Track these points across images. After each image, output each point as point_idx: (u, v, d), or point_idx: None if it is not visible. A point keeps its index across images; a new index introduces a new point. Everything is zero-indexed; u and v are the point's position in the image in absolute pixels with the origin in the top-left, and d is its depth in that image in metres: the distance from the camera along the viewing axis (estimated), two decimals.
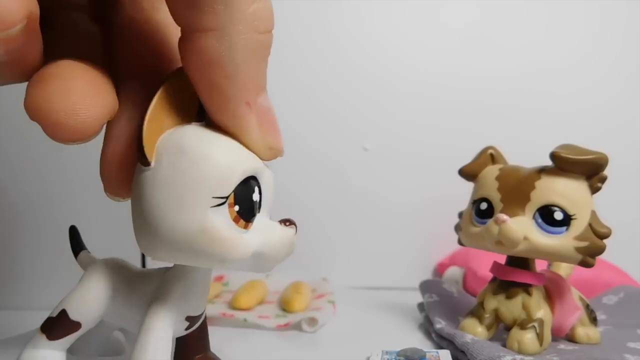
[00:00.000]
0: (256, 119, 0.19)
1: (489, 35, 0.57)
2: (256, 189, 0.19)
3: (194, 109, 0.20)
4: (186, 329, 0.22)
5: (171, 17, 0.19)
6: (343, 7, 0.56)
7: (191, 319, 0.22)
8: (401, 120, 0.56)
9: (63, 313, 0.23)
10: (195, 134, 0.19)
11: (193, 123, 0.20)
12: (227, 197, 0.18)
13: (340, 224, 0.56)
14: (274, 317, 0.39)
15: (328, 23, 0.56)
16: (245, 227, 0.19)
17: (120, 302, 0.23)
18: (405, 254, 0.56)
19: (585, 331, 0.33)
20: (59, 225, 0.50)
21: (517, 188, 0.31)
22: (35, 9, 0.16)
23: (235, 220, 0.18)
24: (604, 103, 0.57)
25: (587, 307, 0.34)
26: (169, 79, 0.19)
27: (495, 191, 0.32)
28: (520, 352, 0.29)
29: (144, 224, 0.19)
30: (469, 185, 0.35)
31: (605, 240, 0.29)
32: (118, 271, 0.23)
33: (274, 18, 0.18)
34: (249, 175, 0.19)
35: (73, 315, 0.22)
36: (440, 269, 0.55)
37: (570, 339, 0.34)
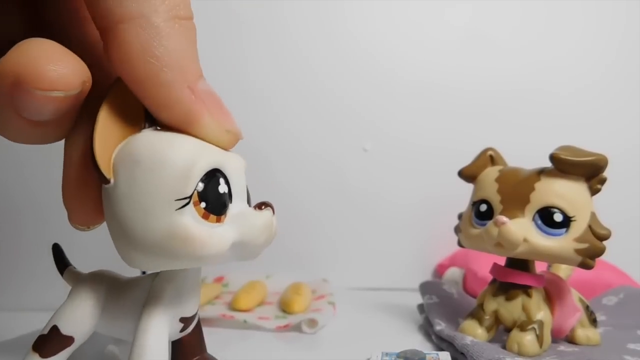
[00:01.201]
0: (203, 103, 0.19)
1: (489, 36, 0.57)
2: (221, 180, 0.19)
3: (141, 116, 0.19)
4: (181, 331, 0.22)
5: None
6: (344, 8, 0.56)
7: (185, 320, 0.22)
8: (401, 121, 0.56)
9: (54, 329, 0.22)
10: (146, 141, 0.19)
11: (143, 130, 0.19)
12: (190, 197, 0.18)
13: (340, 225, 0.56)
14: (274, 318, 0.39)
15: (328, 23, 0.56)
16: (218, 220, 0.19)
17: (112, 311, 0.23)
18: (405, 255, 0.56)
19: (585, 332, 0.33)
20: (59, 225, 0.51)
21: (516, 190, 0.31)
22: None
23: (205, 217, 0.18)
24: (604, 104, 0.57)
25: (586, 308, 0.34)
26: (110, 92, 0.19)
27: (494, 193, 0.32)
28: (520, 353, 0.29)
29: (119, 238, 0.19)
30: (469, 186, 0.35)
31: (605, 242, 0.29)
32: (106, 281, 0.23)
33: (190, 5, 0.18)
34: (210, 169, 0.19)
35: (65, 329, 0.22)
36: (440, 270, 0.55)
37: (570, 340, 0.33)
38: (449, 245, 0.42)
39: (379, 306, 0.46)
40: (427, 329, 0.37)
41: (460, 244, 0.35)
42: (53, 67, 0.16)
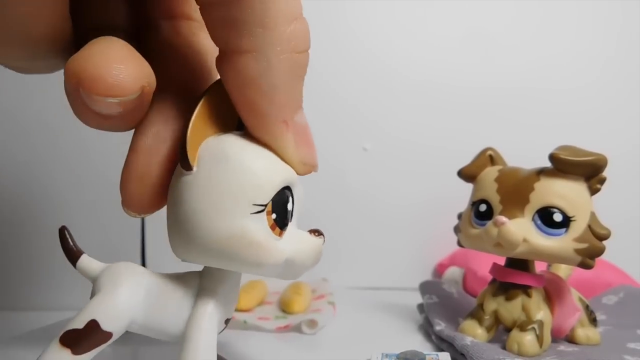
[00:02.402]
0: (292, 136, 0.20)
1: (489, 35, 0.57)
2: (290, 199, 0.20)
3: (234, 119, 0.20)
4: (220, 332, 0.22)
5: (207, 42, 0.20)
6: (344, 6, 0.55)
7: (227, 322, 0.22)
8: (401, 120, 0.56)
9: (93, 324, 0.20)
10: (237, 143, 0.20)
11: (233, 132, 0.20)
12: (265, 205, 0.19)
13: (340, 224, 0.56)
14: (274, 318, 0.39)
15: (329, 23, 0.56)
16: (280, 235, 0.20)
17: (153, 308, 0.21)
18: (405, 254, 0.56)
19: (585, 332, 0.33)
20: (59, 225, 0.51)
21: (516, 190, 0.31)
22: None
23: (272, 228, 0.19)
24: (604, 104, 0.57)
25: (586, 308, 0.34)
26: (211, 89, 0.20)
27: (494, 193, 0.31)
28: (520, 353, 0.29)
29: (182, 227, 0.19)
30: (469, 186, 0.35)
31: (604, 241, 0.29)
32: (146, 275, 0.22)
33: (310, 38, 0.19)
34: (285, 185, 0.20)
35: (106, 325, 0.20)
36: (440, 269, 0.55)
37: (570, 340, 0.34)
38: (448, 244, 0.42)
39: (379, 306, 0.46)
40: (427, 329, 0.37)
41: (460, 244, 0.35)
42: (109, 73, 0.17)
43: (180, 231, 0.19)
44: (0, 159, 0.48)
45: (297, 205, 0.21)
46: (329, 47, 0.56)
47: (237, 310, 0.41)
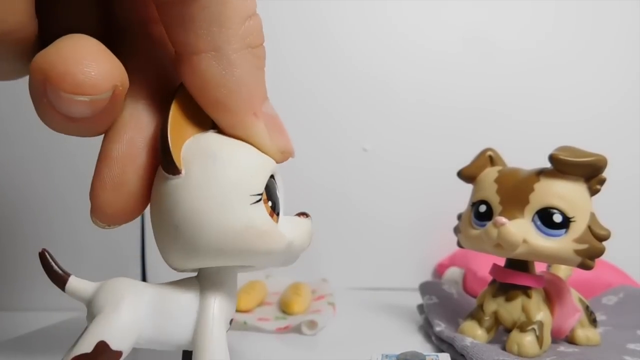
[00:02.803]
0: (264, 127, 0.20)
1: (489, 39, 0.57)
2: (276, 186, 0.21)
3: (208, 118, 0.20)
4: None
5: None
6: (345, 8, 0.56)
7: (231, 322, 0.22)
8: (401, 121, 0.56)
9: (102, 345, 0.19)
10: (219, 140, 0.20)
11: (210, 130, 0.20)
12: (261, 194, 0.19)
13: (340, 225, 0.56)
14: (274, 319, 0.39)
15: (329, 24, 0.56)
16: (276, 221, 0.20)
17: (159, 320, 0.21)
18: (405, 254, 0.56)
19: (585, 333, 0.33)
20: (59, 225, 0.51)
21: (516, 190, 0.30)
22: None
23: (270, 215, 0.20)
24: (603, 105, 0.57)
25: (586, 308, 0.34)
26: (180, 90, 0.20)
27: (494, 193, 0.31)
28: (520, 354, 0.29)
29: (181, 235, 0.19)
30: (468, 187, 0.35)
31: (604, 242, 0.29)
32: (146, 289, 0.21)
33: (262, 31, 0.19)
34: (272, 173, 0.20)
35: (115, 344, 0.20)
36: (440, 270, 0.55)
37: (570, 340, 0.33)
38: (448, 245, 0.42)
39: (379, 306, 0.46)
40: (427, 330, 0.37)
41: (459, 245, 0.35)
42: (80, 69, 0.16)
43: (180, 239, 0.19)
44: (0, 159, 0.48)
45: (281, 193, 0.22)
46: (329, 47, 0.55)
47: (237, 311, 0.41)
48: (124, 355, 0.20)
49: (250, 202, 0.19)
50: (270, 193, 0.20)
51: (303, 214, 0.23)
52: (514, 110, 0.57)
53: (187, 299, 0.21)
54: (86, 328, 0.20)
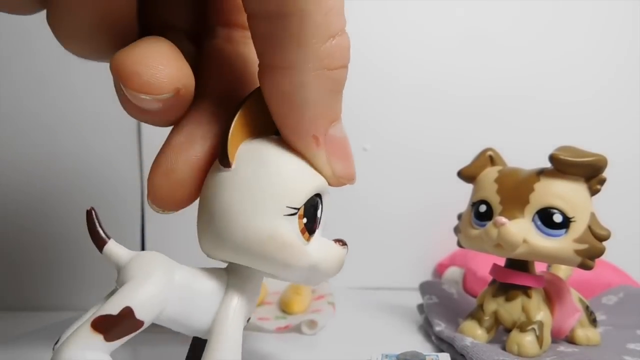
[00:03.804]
0: (325, 151, 0.20)
1: (489, 37, 0.57)
2: (320, 206, 0.21)
3: (273, 125, 0.21)
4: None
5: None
6: (345, 7, 0.55)
7: (247, 321, 0.22)
8: (401, 121, 0.56)
9: (128, 311, 0.19)
10: (274, 147, 0.20)
11: (271, 137, 0.21)
12: (298, 209, 0.19)
13: (340, 224, 0.55)
14: (274, 319, 0.39)
15: None
16: (308, 239, 0.20)
17: (182, 300, 0.21)
18: (405, 254, 0.56)
19: (585, 333, 0.33)
20: (59, 225, 0.51)
21: (516, 190, 0.31)
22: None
23: (302, 232, 0.20)
24: (604, 105, 0.57)
25: (586, 308, 0.34)
26: (254, 94, 0.20)
27: (494, 193, 0.31)
28: (520, 354, 0.29)
29: (215, 223, 0.19)
30: (469, 186, 0.35)
31: (604, 242, 0.29)
32: (177, 268, 0.21)
33: (349, 53, 0.20)
34: (317, 192, 0.20)
35: (140, 313, 0.20)
36: (439, 269, 0.55)
37: (570, 340, 0.34)
38: (448, 244, 0.42)
39: (379, 306, 0.46)
40: (427, 330, 0.37)
41: (460, 245, 0.35)
42: (146, 71, 0.17)
43: (213, 227, 0.20)
44: (0, 159, 0.48)
45: (324, 213, 0.22)
46: None
47: None
48: (145, 326, 0.20)
49: (284, 212, 0.19)
50: (309, 211, 0.20)
51: (340, 242, 0.22)
52: (514, 110, 0.57)
53: (213, 288, 0.21)
54: (114, 291, 0.20)
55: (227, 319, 0.20)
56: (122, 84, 0.17)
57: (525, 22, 0.57)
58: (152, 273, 0.20)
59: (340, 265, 0.22)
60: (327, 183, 0.21)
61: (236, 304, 0.21)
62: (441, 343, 0.33)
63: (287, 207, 0.19)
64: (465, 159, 0.35)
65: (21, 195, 0.48)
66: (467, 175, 0.34)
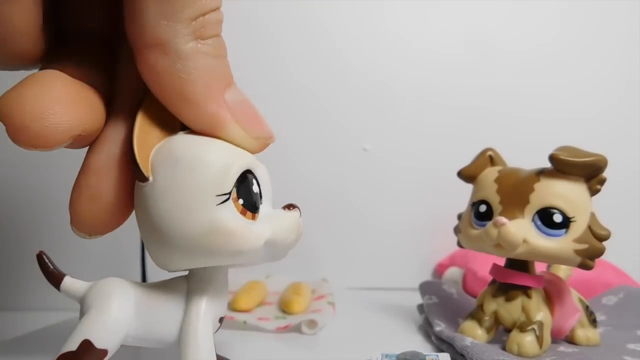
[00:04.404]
0: (231, 117, 0.20)
1: (487, 38, 0.57)
2: (254, 181, 0.20)
3: (178, 120, 0.20)
4: (215, 331, 0.22)
5: None
6: (345, 8, 0.55)
7: (221, 320, 0.23)
8: (401, 120, 0.56)
9: (87, 343, 0.20)
10: (184, 141, 0.20)
11: (179, 133, 0.20)
12: (229, 193, 0.19)
13: (340, 225, 0.56)
14: (274, 319, 0.39)
15: (329, 24, 0.55)
16: (253, 218, 0.20)
17: (146, 319, 0.21)
18: (405, 255, 0.56)
19: (585, 333, 0.33)
20: (60, 225, 0.51)
21: (516, 190, 0.30)
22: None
23: (243, 213, 0.19)
24: (604, 105, 0.57)
25: (586, 308, 0.34)
26: (147, 98, 0.20)
27: (494, 193, 0.31)
28: (520, 354, 0.29)
29: (155, 237, 0.19)
30: (468, 186, 0.35)
31: (604, 242, 0.29)
32: (133, 288, 0.22)
33: (221, 24, 0.19)
34: (245, 169, 0.20)
35: (99, 343, 0.20)
36: (439, 270, 0.55)
37: (570, 340, 0.33)
38: (448, 245, 0.42)
39: (378, 306, 0.46)
40: (426, 330, 0.37)
41: (460, 245, 0.35)
42: (34, 124, 0.16)
43: (155, 241, 0.19)
44: (1, 159, 0.48)
45: (264, 187, 0.21)
46: (329, 48, 0.55)
47: (237, 310, 0.41)
48: (110, 354, 0.21)
49: (216, 202, 0.19)
50: (242, 190, 0.19)
51: (289, 206, 0.22)
52: (514, 109, 0.57)
53: (173, 298, 0.21)
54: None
55: (192, 325, 0.20)
56: (9, 136, 0.16)
57: (524, 23, 0.57)
58: (106, 301, 0.21)
59: (297, 230, 0.21)
60: (251, 157, 0.21)
61: (199, 308, 0.21)
62: (441, 343, 0.33)
63: (217, 195, 0.19)
64: (465, 159, 0.35)
65: (21, 195, 0.48)
66: (467, 175, 0.34)
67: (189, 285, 0.21)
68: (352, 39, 0.56)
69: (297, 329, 0.37)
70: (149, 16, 0.17)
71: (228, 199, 0.19)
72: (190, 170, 0.19)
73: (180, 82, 0.18)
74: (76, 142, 0.18)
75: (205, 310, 0.21)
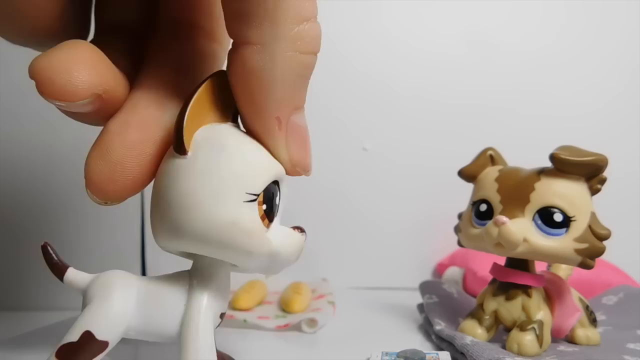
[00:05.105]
0: (284, 135, 0.20)
1: (488, 38, 0.57)
2: (278, 193, 0.21)
3: (231, 111, 0.21)
4: (216, 327, 0.22)
5: (202, 48, 0.23)
6: (346, 7, 0.55)
7: (222, 316, 0.23)
8: (401, 120, 0.56)
9: (88, 335, 0.20)
10: (233, 133, 0.20)
11: (229, 123, 0.21)
12: (258, 195, 0.19)
13: (340, 224, 0.56)
14: (274, 317, 0.39)
15: (329, 24, 0.55)
16: (267, 226, 0.20)
17: (147, 312, 0.21)
18: (405, 254, 0.56)
19: (585, 332, 0.33)
20: (60, 225, 0.51)
21: (516, 190, 0.31)
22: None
23: (262, 218, 0.20)
24: (604, 104, 0.57)
25: (586, 308, 0.34)
26: (211, 79, 0.20)
27: (494, 193, 0.31)
28: (520, 353, 0.29)
29: (172, 214, 0.19)
30: (469, 186, 0.35)
31: (605, 241, 0.29)
32: (135, 281, 0.22)
33: (320, 42, 0.20)
34: (276, 179, 0.20)
35: (100, 335, 0.20)
36: (440, 269, 0.55)
37: (570, 340, 0.33)
38: (448, 244, 0.42)
39: (378, 305, 0.46)
40: (427, 329, 0.37)
41: (460, 244, 0.35)
42: (61, 77, 0.17)
43: (171, 218, 0.19)
44: (0, 158, 0.48)
45: (282, 201, 0.22)
46: (330, 47, 0.55)
47: (237, 309, 0.41)
48: (111, 345, 0.21)
49: (244, 199, 0.19)
50: (267, 197, 0.20)
51: (299, 229, 0.22)
52: (514, 109, 0.57)
53: (175, 292, 0.21)
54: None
55: (193, 320, 0.20)
56: (38, 90, 0.17)
57: (524, 22, 0.57)
58: (108, 293, 0.21)
59: (299, 251, 0.22)
60: (283, 170, 0.21)
61: (201, 304, 0.21)
62: (441, 342, 0.33)
63: (247, 193, 0.19)
64: (465, 159, 0.35)
65: (21, 194, 0.48)
66: (468, 174, 0.34)
67: (192, 280, 0.21)
68: (352, 38, 0.56)
69: (297, 327, 0.37)
70: (255, 17, 0.18)
71: (255, 199, 0.19)
72: (232, 161, 0.19)
73: (261, 83, 0.19)
74: (98, 105, 0.19)
75: (207, 306, 0.21)
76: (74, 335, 0.20)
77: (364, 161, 0.56)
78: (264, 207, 0.20)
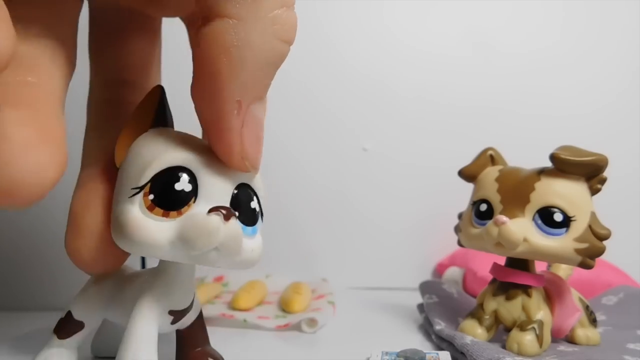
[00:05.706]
0: (241, 121, 0.19)
1: (488, 38, 0.57)
2: (183, 179, 0.20)
3: (151, 118, 0.22)
4: (172, 323, 0.23)
5: None
6: (346, 8, 0.55)
7: (175, 314, 0.23)
8: (401, 120, 0.56)
9: (69, 314, 0.25)
10: (142, 137, 0.21)
11: (150, 130, 0.22)
12: (141, 187, 0.20)
13: (340, 224, 0.56)
14: (274, 317, 0.39)
15: (330, 24, 0.56)
16: (165, 215, 0.19)
17: (117, 302, 0.24)
18: (405, 254, 0.56)
19: (585, 332, 0.33)
20: (60, 225, 0.51)
21: (516, 189, 0.31)
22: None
23: (150, 209, 0.19)
24: (605, 104, 0.57)
25: (586, 308, 0.34)
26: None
27: (494, 192, 0.31)
28: (520, 353, 0.29)
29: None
30: (469, 186, 0.35)
31: (605, 241, 0.29)
32: (112, 275, 0.25)
33: (296, 33, 0.19)
34: (173, 166, 0.20)
35: (77, 315, 0.25)
36: (440, 269, 0.55)
37: (570, 340, 0.34)
38: (448, 244, 0.42)
39: (378, 305, 0.46)
40: (427, 329, 0.37)
41: (460, 244, 0.35)
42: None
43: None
44: None
45: (209, 186, 0.20)
46: (330, 47, 0.55)
47: (237, 309, 0.41)
48: (87, 327, 0.25)
49: (128, 195, 0.20)
50: (158, 187, 0.19)
51: (214, 209, 0.19)
52: (515, 109, 0.57)
53: (136, 287, 0.23)
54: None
55: (133, 316, 0.21)
56: None
57: (524, 23, 0.57)
58: (90, 281, 0.25)
59: (208, 232, 0.19)
60: (193, 157, 0.20)
61: (143, 300, 0.22)
62: (441, 342, 0.33)
63: (131, 188, 0.20)
64: (465, 159, 0.35)
65: None
66: (468, 174, 0.34)
67: (146, 276, 0.23)
68: (352, 38, 0.56)
69: (297, 327, 0.37)
70: None
71: (138, 192, 0.19)
72: (128, 163, 0.20)
73: (230, 61, 0.18)
74: None
75: (149, 303, 0.22)
76: (63, 313, 0.25)
77: (364, 161, 0.56)
78: (151, 196, 0.19)
